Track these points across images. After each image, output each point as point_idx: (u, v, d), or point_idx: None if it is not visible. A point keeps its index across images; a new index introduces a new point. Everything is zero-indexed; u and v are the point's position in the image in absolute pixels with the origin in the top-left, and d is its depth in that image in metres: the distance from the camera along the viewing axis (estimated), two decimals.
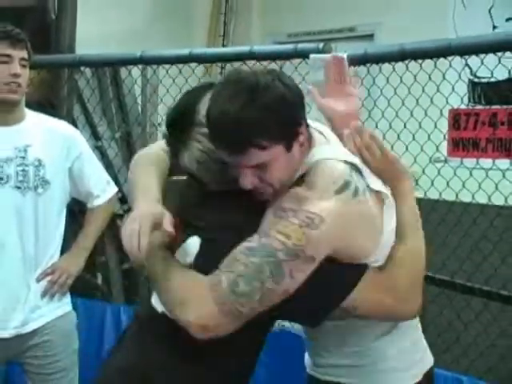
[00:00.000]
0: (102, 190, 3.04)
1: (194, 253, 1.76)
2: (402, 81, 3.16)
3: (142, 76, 3.93)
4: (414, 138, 3.20)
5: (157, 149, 2.03)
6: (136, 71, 4.03)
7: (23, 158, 2.76)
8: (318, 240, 1.64)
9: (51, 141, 2.83)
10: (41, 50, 4.37)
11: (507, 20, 4.68)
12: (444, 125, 3.40)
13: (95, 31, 4.77)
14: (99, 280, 4.44)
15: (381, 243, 1.77)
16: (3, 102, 2.72)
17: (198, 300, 1.64)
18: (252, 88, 1.65)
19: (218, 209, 1.79)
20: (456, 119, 4.69)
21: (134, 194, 1.89)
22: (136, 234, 1.68)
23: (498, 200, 3.17)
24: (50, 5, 4.62)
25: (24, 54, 2.75)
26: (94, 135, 4.47)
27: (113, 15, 4.78)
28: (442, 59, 2.91)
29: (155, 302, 1.82)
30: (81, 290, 3.47)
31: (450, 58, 2.88)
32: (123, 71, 4.33)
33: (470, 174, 2.94)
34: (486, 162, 3.28)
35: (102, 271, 4.46)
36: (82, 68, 4.28)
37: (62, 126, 2.99)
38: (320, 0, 5.67)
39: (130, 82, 4.35)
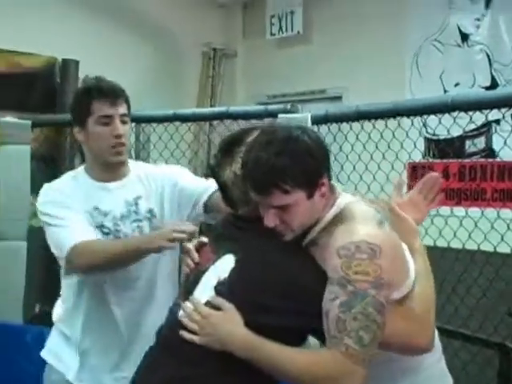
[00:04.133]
0: (205, 183, 2.53)
1: (228, 269, 1.79)
2: (357, 138, 3.24)
3: (135, 133, 3.97)
4: (369, 189, 3.24)
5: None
6: None
7: (136, 212, 2.44)
8: (385, 266, 1.67)
9: (154, 185, 2.49)
10: (47, 109, 4.47)
11: (456, 85, 4.78)
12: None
13: None
14: None
15: (408, 276, 1.82)
16: (110, 164, 2.42)
17: (343, 371, 1.62)
18: (284, 139, 1.73)
19: (250, 232, 1.84)
20: (413, 171, 4.76)
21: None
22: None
23: (457, 243, 3.21)
24: (55, 71, 4.72)
25: (124, 109, 2.41)
26: None
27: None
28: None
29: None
30: None
31: (399, 118, 2.93)
32: None
33: (432, 222, 2.93)
34: (447, 210, 3.24)
35: None
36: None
37: (157, 168, 2.64)
38: (295, 66, 5.73)
39: None
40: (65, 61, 4.85)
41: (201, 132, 4.44)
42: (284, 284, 1.73)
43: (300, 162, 1.71)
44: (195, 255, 1.99)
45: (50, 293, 4.31)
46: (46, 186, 2.46)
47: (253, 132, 1.88)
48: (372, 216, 1.77)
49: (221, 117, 3.52)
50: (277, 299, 1.71)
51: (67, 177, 2.50)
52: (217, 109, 3.95)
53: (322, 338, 1.70)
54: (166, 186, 2.50)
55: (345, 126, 3.18)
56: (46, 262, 4.47)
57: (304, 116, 3.05)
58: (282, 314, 1.70)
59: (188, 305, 1.81)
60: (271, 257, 1.78)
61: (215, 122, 3.73)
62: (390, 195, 2.14)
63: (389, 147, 3.18)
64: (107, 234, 2.39)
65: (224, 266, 1.81)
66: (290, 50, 5.81)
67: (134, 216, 2.43)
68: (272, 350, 1.68)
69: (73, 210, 2.35)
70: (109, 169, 2.43)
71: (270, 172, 1.70)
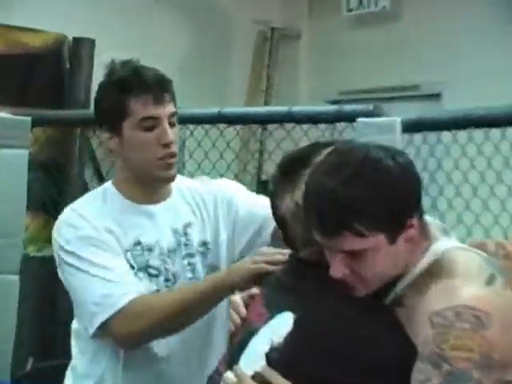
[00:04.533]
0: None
1: (284, 332, 1.77)
2: (464, 153, 3.15)
3: None
4: (478, 221, 3.19)
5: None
6: None
7: (186, 245, 2.41)
8: (495, 340, 1.61)
9: (204, 208, 2.46)
10: (52, 103, 4.49)
11: None
12: None
13: None
14: None
15: None
16: (157, 181, 2.38)
17: None
18: (358, 162, 1.69)
19: (314, 283, 1.82)
20: None
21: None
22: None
23: None
24: (64, 52, 4.71)
25: (172, 106, 2.34)
26: None
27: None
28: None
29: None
30: None
31: None
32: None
33: None
34: None
35: None
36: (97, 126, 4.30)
37: (204, 183, 2.59)
38: (378, 52, 5.71)
39: None
40: (76, 40, 4.86)
41: (252, 138, 4.41)
42: (360, 356, 1.70)
43: (380, 195, 1.67)
44: (242, 310, 1.97)
45: (47, 344, 4.31)
46: (68, 211, 2.41)
47: (325, 149, 1.85)
48: (479, 269, 1.72)
49: (280, 119, 3.51)
50: (349, 376, 1.69)
51: (95, 197, 2.44)
52: (274, 108, 3.90)
53: None
54: (219, 207, 2.46)
55: (446, 134, 3.15)
56: (43, 302, 4.50)
57: (391, 121, 3.03)
58: None
59: (231, 376, 1.77)
60: (343, 319, 1.76)
61: (272, 126, 3.69)
62: (508, 233, 2.04)
63: (507, 165, 3.10)
64: (156, 275, 2.35)
65: (279, 327, 1.79)
66: (373, 31, 5.78)
67: (184, 250, 2.39)
68: None
69: (112, 251, 2.30)
70: (153, 187, 2.40)
71: (340, 207, 1.67)
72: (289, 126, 3.49)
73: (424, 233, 1.78)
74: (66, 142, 4.35)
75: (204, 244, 2.41)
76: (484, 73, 4.96)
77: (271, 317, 1.83)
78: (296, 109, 3.43)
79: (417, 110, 3.39)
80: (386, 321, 1.75)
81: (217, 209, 2.45)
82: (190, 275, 2.37)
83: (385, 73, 5.59)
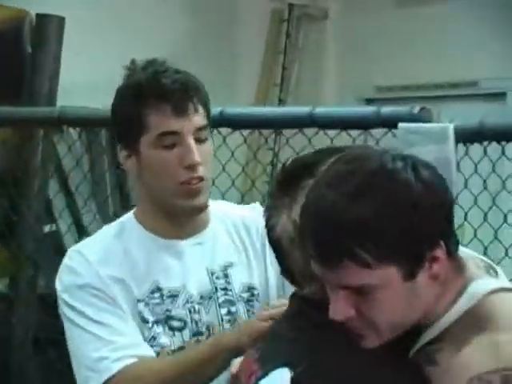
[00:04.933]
0: None
1: None
2: None
3: None
4: None
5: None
6: None
7: (225, 289, 2.44)
8: None
9: (251, 242, 2.49)
10: (9, 97, 4.50)
11: None
12: None
13: (86, 75, 4.89)
14: None
15: None
16: (181, 210, 2.41)
17: None
18: (369, 172, 1.69)
19: (317, 330, 1.83)
20: None
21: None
22: None
23: None
24: (25, 33, 4.75)
25: (201, 118, 2.37)
26: (77, 227, 4.50)
27: (114, 53, 4.81)
28: None
29: None
30: None
31: None
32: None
33: None
34: None
35: None
36: (65, 127, 4.26)
37: (248, 209, 2.63)
38: (425, 39, 5.75)
39: None
40: (41, 17, 4.86)
41: (263, 147, 4.39)
42: None
43: (394, 215, 1.67)
44: (233, 367, 2.02)
45: None
46: (73, 252, 2.47)
47: (335, 156, 1.84)
48: None
49: (299, 123, 3.49)
50: None
51: (108, 233, 2.50)
52: (292, 109, 3.90)
53: None
54: (266, 242, 2.32)
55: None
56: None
57: (443, 127, 3.04)
58: None
59: None
60: (351, 379, 1.75)
61: (289, 132, 3.68)
62: None
63: None
64: (180, 329, 2.39)
65: None
66: (420, 12, 5.80)
67: (222, 296, 2.42)
68: None
69: (115, 306, 2.36)
70: (180, 219, 2.43)
71: (341, 228, 1.66)
72: (310, 131, 3.46)
73: (458, 270, 1.79)
74: (27, 149, 4.36)
75: (250, 289, 2.45)
76: None
77: (264, 375, 1.84)
78: (320, 110, 3.41)
79: (475, 114, 3.37)
80: (408, 381, 1.75)
81: (265, 244, 2.42)
82: (228, 326, 2.40)
83: (434, 66, 5.63)
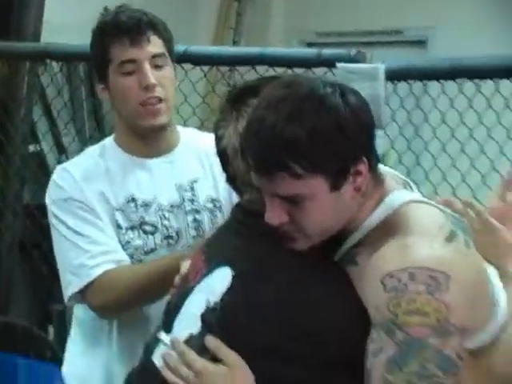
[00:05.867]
0: None
1: (220, 291, 1.76)
2: (452, 105, 3.13)
3: None
4: (463, 180, 3.18)
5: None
6: None
7: (192, 200, 2.44)
8: (455, 304, 1.60)
9: (216, 164, 2.40)
10: None
11: None
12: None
13: (69, 15, 4.77)
14: (51, 335, 4.38)
15: (493, 317, 1.72)
16: (145, 130, 2.39)
17: None
18: (301, 98, 1.66)
19: (255, 233, 1.80)
20: None
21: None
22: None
23: None
24: None
25: (157, 47, 2.36)
26: (58, 147, 4.44)
27: None
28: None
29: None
30: (24, 347, 3.40)
31: None
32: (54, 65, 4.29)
33: None
34: None
35: (56, 324, 4.40)
36: (48, 61, 4.20)
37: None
38: None
39: None
40: None
41: (221, 81, 4.35)
42: (303, 322, 1.69)
43: (323, 134, 1.64)
44: (184, 269, 1.97)
45: None
46: (60, 169, 2.48)
47: (274, 81, 1.83)
48: (439, 226, 1.70)
49: (251, 61, 3.45)
50: (290, 343, 1.68)
51: (92, 154, 2.49)
52: (246, 49, 3.88)
53: None
54: None
55: (436, 85, 3.12)
56: None
57: (374, 68, 2.99)
58: (299, 365, 1.67)
59: (166, 339, 1.80)
60: (286, 278, 1.73)
61: (243, 69, 3.64)
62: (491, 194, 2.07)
63: (499, 123, 3.07)
64: (152, 233, 2.38)
65: (216, 284, 1.78)
66: None
67: (189, 205, 2.42)
68: None
69: (96, 216, 2.36)
70: (146, 138, 2.41)
71: (277, 144, 1.63)
72: (261, 69, 3.41)
73: (378, 183, 1.78)
74: (14, 80, 4.27)
75: (213, 201, 2.45)
76: (475, 20, 4.96)
77: (209, 272, 1.82)
78: (269, 50, 3.41)
79: (399, 58, 3.36)
80: (332, 281, 1.73)
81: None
82: (194, 233, 2.41)
83: (367, 15, 5.58)
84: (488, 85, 2.97)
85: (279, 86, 1.70)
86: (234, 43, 5.76)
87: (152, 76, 2.31)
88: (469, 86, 3.00)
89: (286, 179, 1.64)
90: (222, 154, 1.86)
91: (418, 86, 3.15)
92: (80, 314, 2.53)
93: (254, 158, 1.68)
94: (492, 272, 1.79)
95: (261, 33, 5.86)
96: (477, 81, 2.98)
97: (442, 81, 3.05)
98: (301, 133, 1.62)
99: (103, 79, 2.39)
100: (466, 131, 3.18)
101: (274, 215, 1.69)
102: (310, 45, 5.39)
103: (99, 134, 4.65)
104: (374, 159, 1.74)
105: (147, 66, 2.31)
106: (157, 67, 2.34)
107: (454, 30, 5.10)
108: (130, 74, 2.32)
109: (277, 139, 1.62)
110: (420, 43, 5.47)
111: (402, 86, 3.15)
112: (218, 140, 1.87)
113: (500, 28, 4.93)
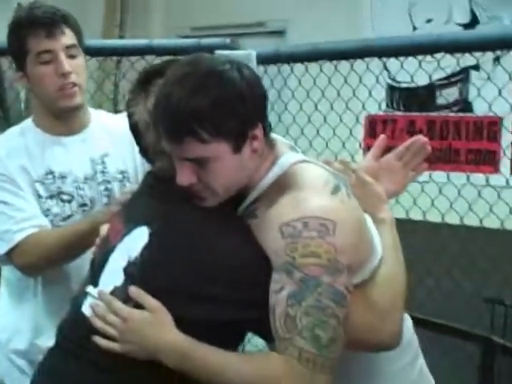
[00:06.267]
0: None
1: (139, 246, 1.74)
2: (315, 83, 3.21)
3: None
4: (327, 146, 3.25)
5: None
6: None
7: (103, 172, 2.42)
8: (342, 246, 1.63)
9: (124, 140, 2.36)
10: None
11: (428, 21, 4.80)
12: (360, 132, 3.46)
13: None
14: None
15: (372, 256, 1.79)
16: (62, 111, 2.38)
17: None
18: (205, 74, 1.66)
19: (167, 196, 1.79)
20: (372, 126, 4.77)
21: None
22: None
23: (416, 214, 3.27)
24: None
25: (69, 38, 2.33)
26: None
27: None
28: (358, 61, 2.98)
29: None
30: None
31: (367, 60, 2.96)
32: (3, 62, 4.16)
33: None
34: None
35: None
36: None
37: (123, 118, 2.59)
38: None
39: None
40: None
41: (113, 71, 4.33)
42: (212, 265, 1.68)
43: (223, 103, 1.65)
44: (103, 232, 1.95)
45: None
46: None
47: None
48: (324, 181, 1.73)
49: (141, 51, 3.43)
50: (203, 285, 1.68)
51: (13, 134, 2.47)
52: (136, 40, 3.83)
53: (268, 339, 1.67)
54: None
55: (300, 67, 3.18)
56: None
57: (247, 54, 3.02)
58: (212, 305, 1.67)
59: (98, 302, 1.76)
60: (196, 229, 1.74)
61: (133, 58, 3.62)
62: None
63: (354, 94, 3.18)
64: (69, 201, 2.37)
65: (135, 241, 1.76)
66: None
67: (101, 177, 2.41)
68: (209, 358, 1.65)
69: (18, 188, 2.34)
70: (64, 119, 2.40)
71: (183, 113, 1.64)
72: (149, 58, 3.41)
73: (271, 147, 1.79)
74: None
75: (122, 172, 2.44)
76: (325, 14, 5.05)
77: (128, 232, 1.80)
78: (155, 42, 3.40)
79: (265, 46, 3.40)
80: (238, 231, 1.74)
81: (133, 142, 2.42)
82: (105, 201, 2.39)
83: (233, 11, 5.57)
84: (343, 65, 3.05)
85: (182, 65, 1.70)
86: (120, 38, 5.67)
87: (67, 64, 2.30)
88: (328, 66, 3.05)
89: (194, 144, 1.65)
90: (135, 128, 1.85)
91: (285, 68, 3.21)
92: (6, 274, 2.50)
93: (164, 126, 1.68)
94: (368, 218, 1.86)
95: (142, 29, 5.79)
96: (335, 62, 3.03)
97: (305, 63, 3.09)
98: (204, 103, 1.63)
99: (21, 68, 2.36)
100: (327, 105, 3.26)
101: (184, 177, 1.69)
102: (186, 38, 5.36)
103: (5, 122, 4.50)
104: (267, 126, 1.75)
105: (62, 56, 2.30)
106: (71, 57, 2.32)
107: (307, 22, 5.14)
108: (47, 63, 2.30)
109: (184, 109, 1.63)
110: (280, 33, 5.48)
111: (272, 69, 3.20)
112: (130, 116, 1.85)
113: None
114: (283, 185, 1.72)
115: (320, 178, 1.73)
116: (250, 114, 1.68)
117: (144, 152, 1.87)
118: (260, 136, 1.71)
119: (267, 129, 1.75)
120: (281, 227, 1.64)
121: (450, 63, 2.98)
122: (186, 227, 1.74)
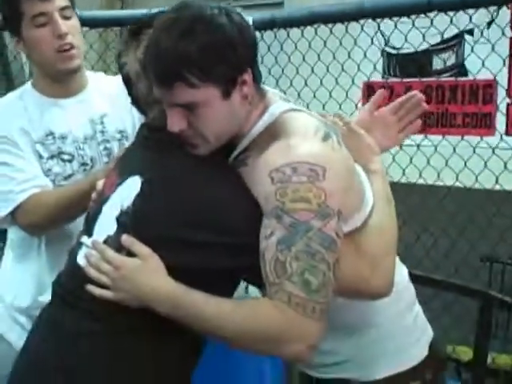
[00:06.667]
0: None
1: (132, 195, 1.73)
2: (310, 46, 3.23)
3: None
4: (324, 108, 3.25)
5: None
6: None
7: (103, 132, 2.42)
8: (331, 191, 1.61)
9: (122, 101, 2.25)
10: None
11: None
12: (356, 95, 3.49)
13: None
14: None
15: (363, 204, 1.80)
16: (61, 73, 2.35)
17: (287, 327, 1.57)
18: (193, 19, 1.63)
19: (160, 145, 1.77)
20: (370, 92, 4.79)
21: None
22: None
23: (413, 176, 3.31)
24: None
25: (62, 1, 2.30)
26: None
27: None
28: (354, 24, 2.99)
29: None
30: None
31: (361, 22, 2.96)
32: (7, 35, 4.18)
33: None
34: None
35: None
36: None
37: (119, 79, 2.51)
38: None
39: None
40: None
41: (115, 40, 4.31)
42: (203, 212, 1.68)
43: (212, 48, 1.62)
44: (99, 185, 1.95)
45: None
46: None
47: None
48: (315, 129, 1.71)
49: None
50: (194, 232, 1.66)
51: (11, 97, 2.46)
52: (134, 11, 3.80)
53: (261, 286, 1.66)
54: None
55: (296, 31, 3.20)
56: None
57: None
58: (204, 252, 1.66)
59: (92, 251, 1.75)
60: (188, 177, 1.72)
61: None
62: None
63: (349, 57, 3.21)
64: (70, 161, 2.37)
65: (128, 191, 1.76)
66: None
67: (100, 137, 2.41)
68: (201, 305, 1.63)
69: (19, 149, 2.33)
70: (62, 81, 2.38)
71: (171, 58, 1.62)
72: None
73: (261, 96, 1.76)
74: None
75: (121, 132, 2.43)
76: None
77: (121, 182, 1.79)
78: (155, 11, 3.34)
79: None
80: (229, 178, 1.72)
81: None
82: (106, 159, 2.40)
83: None
84: (339, 28, 3.06)
85: (170, 12, 1.67)
86: (122, 9, 5.69)
87: (63, 25, 2.28)
88: (323, 29, 3.06)
89: (183, 88, 1.62)
90: (126, 78, 1.83)
91: (281, 33, 3.24)
92: (12, 235, 2.52)
93: (153, 72, 1.65)
94: (360, 169, 1.85)
95: (144, 4, 5.75)
96: (330, 25, 3.05)
97: (301, 27, 3.08)
98: (193, 47, 1.60)
99: (17, 33, 2.34)
100: (324, 68, 3.29)
101: (175, 122, 1.67)
102: None
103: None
104: (257, 72, 1.72)
105: (58, 17, 2.28)
106: (65, 18, 2.30)
107: None
108: (43, 26, 2.28)
109: (172, 54, 1.60)
110: (278, 5, 5.50)
111: (268, 34, 3.22)
112: (121, 67, 1.83)
113: None
114: (273, 133, 1.69)
115: (310, 126, 1.71)
116: (239, 59, 1.65)
117: (136, 102, 1.85)
118: (249, 81, 1.69)
119: (257, 74, 1.72)
120: (270, 173, 1.62)
121: (444, 27, 2.98)
122: (177, 175, 1.72)
